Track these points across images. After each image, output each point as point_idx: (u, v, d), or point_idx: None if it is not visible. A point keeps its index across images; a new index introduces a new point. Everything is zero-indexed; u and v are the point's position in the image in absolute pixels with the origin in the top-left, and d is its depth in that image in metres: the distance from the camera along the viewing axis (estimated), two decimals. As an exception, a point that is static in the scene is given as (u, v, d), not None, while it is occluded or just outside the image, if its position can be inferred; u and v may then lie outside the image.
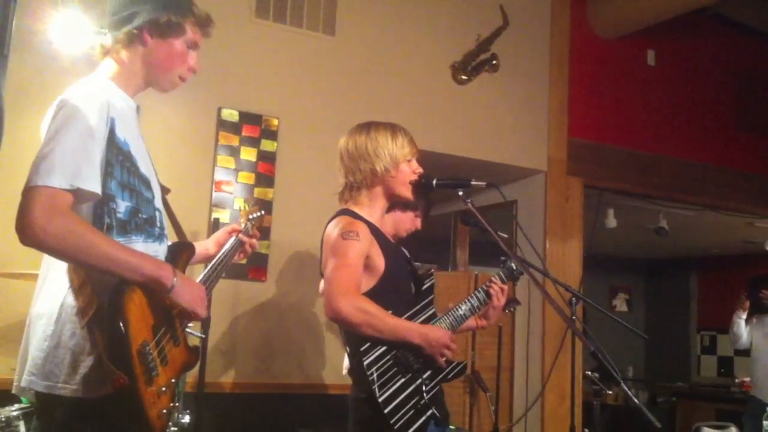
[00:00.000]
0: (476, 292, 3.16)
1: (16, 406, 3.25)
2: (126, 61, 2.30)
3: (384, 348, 2.74)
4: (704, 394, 10.61)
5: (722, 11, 7.20)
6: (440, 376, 2.90)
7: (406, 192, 3.04)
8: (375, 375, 2.69)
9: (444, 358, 2.85)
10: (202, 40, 2.43)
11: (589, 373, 3.77)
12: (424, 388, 2.78)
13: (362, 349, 2.72)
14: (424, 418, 2.74)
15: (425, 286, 3.06)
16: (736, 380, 10.41)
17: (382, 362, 2.73)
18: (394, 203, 3.29)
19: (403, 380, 2.75)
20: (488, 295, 3.17)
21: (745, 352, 7.19)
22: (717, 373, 12.26)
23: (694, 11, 6.41)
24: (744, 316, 6.76)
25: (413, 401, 2.74)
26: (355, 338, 2.77)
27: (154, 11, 2.28)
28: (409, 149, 3.02)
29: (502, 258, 3.30)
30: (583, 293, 3.96)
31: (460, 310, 3.08)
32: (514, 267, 3.28)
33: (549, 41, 6.35)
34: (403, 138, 3.02)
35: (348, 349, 2.92)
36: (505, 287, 3.23)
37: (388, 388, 2.70)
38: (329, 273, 2.77)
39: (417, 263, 3.51)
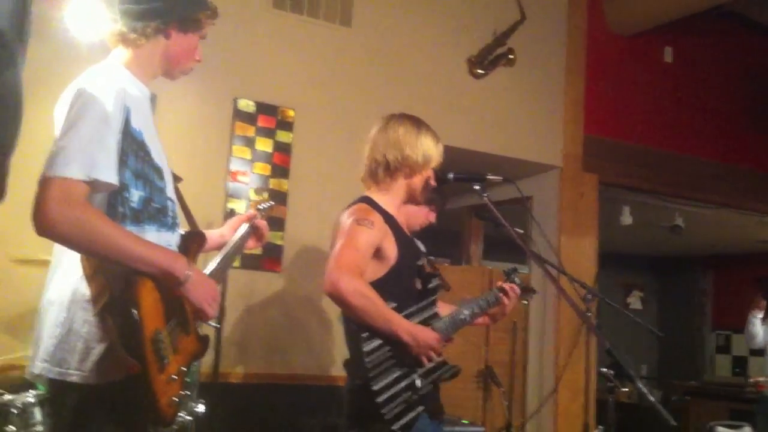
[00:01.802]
0: (482, 298, 3.22)
1: (32, 392, 3.25)
2: (145, 51, 2.31)
3: (383, 339, 2.75)
4: (718, 393, 10.56)
5: (740, 10, 7.15)
6: (435, 375, 2.90)
7: (421, 196, 3.14)
8: (372, 363, 2.70)
9: (431, 359, 2.85)
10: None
11: (604, 370, 3.75)
12: (418, 384, 2.79)
13: (363, 335, 2.73)
14: (414, 413, 2.75)
15: (431, 285, 3.06)
16: (750, 380, 10.35)
17: (380, 352, 2.74)
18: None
19: (398, 373, 2.76)
20: (498, 299, 3.23)
21: (760, 352, 7.15)
22: (731, 373, 12.20)
23: (712, 9, 6.36)
24: (760, 315, 6.72)
25: (405, 395, 2.75)
26: (355, 326, 2.77)
27: (183, 7, 2.33)
28: (438, 160, 3.11)
29: (506, 270, 3.36)
30: (597, 290, 3.95)
31: (461, 314, 3.10)
32: (518, 281, 3.35)
33: (565, 37, 6.32)
34: (441, 147, 3.11)
35: (347, 336, 2.93)
36: (518, 290, 3.28)
37: (383, 378, 2.71)
38: (336, 250, 2.78)
39: (431, 257, 3.52)
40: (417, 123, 3.09)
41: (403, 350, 2.78)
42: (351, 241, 2.78)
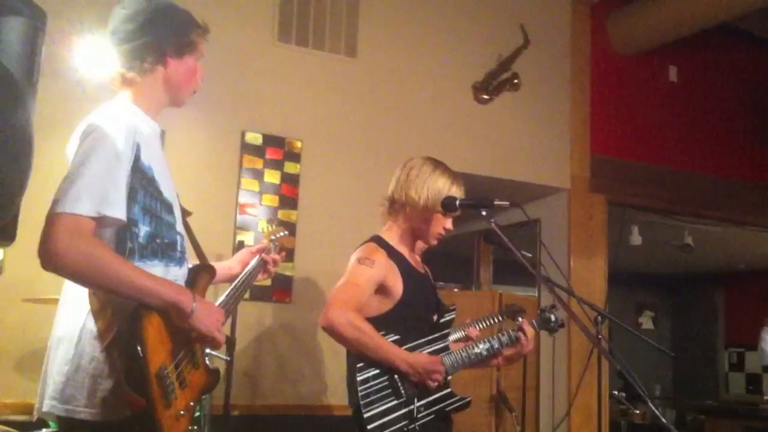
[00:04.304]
0: (500, 334, 3.10)
1: (45, 431, 3.26)
2: (147, 86, 2.32)
3: (380, 369, 2.81)
4: (733, 411, 10.48)
5: (744, 27, 7.17)
6: (437, 407, 2.91)
7: (433, 241, 3.15)
8: (364, 392, 2.76)
9: (437, 383, 2.87)
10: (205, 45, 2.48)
11: (616, 392, 3.75)
12: (416, 413, 2.82)
13: (357, 365, 2.80)
14: None
15: (444, 319, 3.10)
16: (765, 397, 10.28)
17: (374, 382, 2.80)
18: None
19: (394, 402, 2.80)
20: (516, 339, 3.09)
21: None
22: (745, 390, 12.12)
23: (715, 27, 6.38)
24: (772, 332, 6.70)
25: (401, 424, 2.78)
26: (352, 356, 2.85)
27: (172, 34, 2.34)
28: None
29: (542, 308, 3.26)
30: (608, 311, 3.94)
31: (476, 348, 3.04)
32: (553, 318, 3.19)
33: (570, 59, 6.35)
34: (457, 189, 3.08)
35: (347, 363, 2.96)
36: (534, 335, 3.17)
37: (376, 407, 2.76)
38: (334, 289, 2.89)
39: (440, 283, 3.52)
40: (434, 166, 3.11)
41: (403, 380, 2.82)
42: (349, 279, 2.91)
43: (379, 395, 2.78)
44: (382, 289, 2.94)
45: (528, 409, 5.69)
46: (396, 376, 2.81)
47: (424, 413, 2.84)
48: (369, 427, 2.72)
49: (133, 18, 2.30)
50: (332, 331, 2.78)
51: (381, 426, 2.74)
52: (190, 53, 2.39)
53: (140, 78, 2.31)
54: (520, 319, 3.24)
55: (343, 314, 2.76)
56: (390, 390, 2.80)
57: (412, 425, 2.79)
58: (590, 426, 5.77)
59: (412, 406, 2.81)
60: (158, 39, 2.30)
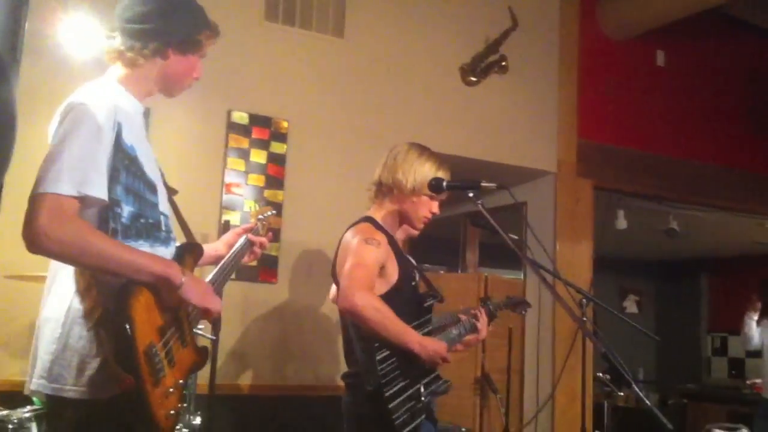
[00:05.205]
0: (466, 321, 3.32)
1: (28, 407, 3.26)
2: (142, 70, 2.30)
3: (391, 350, 2.87)
4: (715, 395, 10.57)
5: (732, 12, 7.17)
6: (431, 388, 3.01)
7: (419, 224, 3.22)
8: (383, 372, 2.83)
9: (438, 365, 3.00)
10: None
11: (601, 374, 3.78)
12: (423, 398, 2.93)
13: (376, 345, 2.85)
14: (418, 421, 2.89)
15: (426, 304, 3.18)
16: (748, 382, 10.36)
17: (389, 362, 2.86)
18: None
19: (403, 383, 2.88)
20: (473, 325, 3.33)
21: (757, 354, 7.16)
22: (728, 375, 12.21)
23: (703, 12, 6.37)
24: (756, 317, 6.73)
25: (410, 404, 2.88)
26: (368, 335, 2.89)
27: (181, 31, 2.32)
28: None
29: (482, 298, 3.46)
30: (593, 295, 3.96)
31: (451, 333, 3.24)
32: (491, 307, 3.48)
33: (558, 42, 6.33)
34: (443, 173, 3.14)
35: (359, 344, 3.01)
36: (486, 320, 3.39)
37: (392, 387, 2.84)
38: (348, 270, 2.91)
39: (426, 265, 3.56)
40: (420, 150, 3.19)
41: (408, 361, 2.89)
42: (361, 260, 2.93)
43: (392, 375, 2.85)
44: (381, 272, 3.00)
45: (512, 390, 5.72)
46: (404, 357, 2.88)
47: (424, 392, 2.94)
48: (390, 406, 2.79)
49: (149, 0, 2.28)
50: (355, 314, 2.83)
51: (397, 406, 2.82)
52: (193, 52, 2.37)
53: (138, 61, 2.28)
54: (524, 312, 3.56)
55: (364, 297, 2.81)
56: (399, 371, 2.87)
57: (419, 405, 2.90)
58: (574, 408, 5.80)
59: (417, 386, 2.92)
60: (167, 30, 2.29)
